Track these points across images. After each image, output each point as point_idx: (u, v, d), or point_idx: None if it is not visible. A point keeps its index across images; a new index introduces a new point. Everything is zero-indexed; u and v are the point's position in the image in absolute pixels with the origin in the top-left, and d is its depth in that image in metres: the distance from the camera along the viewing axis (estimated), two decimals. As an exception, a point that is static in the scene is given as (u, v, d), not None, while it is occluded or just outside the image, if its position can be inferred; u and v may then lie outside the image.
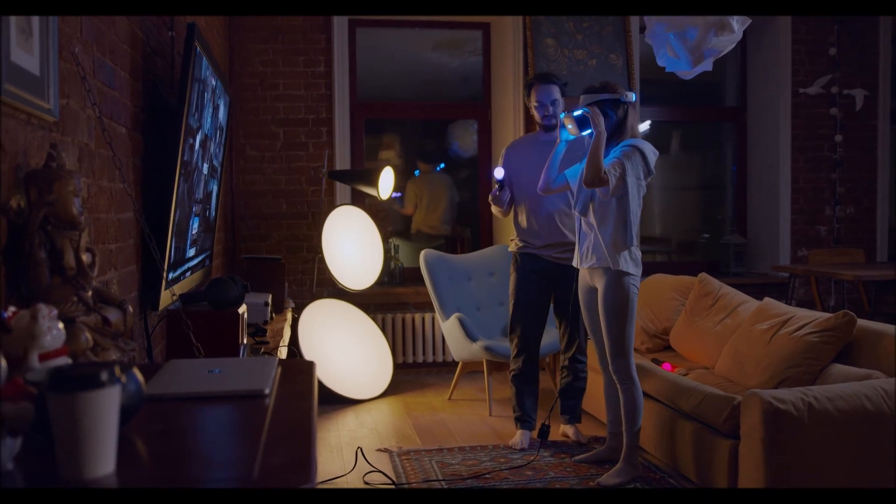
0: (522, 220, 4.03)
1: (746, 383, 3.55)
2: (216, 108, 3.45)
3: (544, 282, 4.01)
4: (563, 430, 4.09)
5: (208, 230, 3.69)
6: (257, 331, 3.51)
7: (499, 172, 3.90)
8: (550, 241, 3.96)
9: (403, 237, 6.64)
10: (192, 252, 3.18)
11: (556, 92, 3.95)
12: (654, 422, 3.63)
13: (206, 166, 3.30)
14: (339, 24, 5.57)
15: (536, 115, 4.01)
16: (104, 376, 1.03)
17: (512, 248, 4.12)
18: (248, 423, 1.29)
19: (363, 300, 5.42)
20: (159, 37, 3.12)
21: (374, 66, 6.17)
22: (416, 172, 6.79)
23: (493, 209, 4.10)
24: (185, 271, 3.03)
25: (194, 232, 3.18)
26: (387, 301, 5.64)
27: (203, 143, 3.13)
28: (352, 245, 5.21)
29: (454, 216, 6.70)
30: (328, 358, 4.85)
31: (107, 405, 1.04)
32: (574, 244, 3.95)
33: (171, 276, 2.63)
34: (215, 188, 3.76)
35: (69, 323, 1.49)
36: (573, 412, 4.09)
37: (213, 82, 3.25)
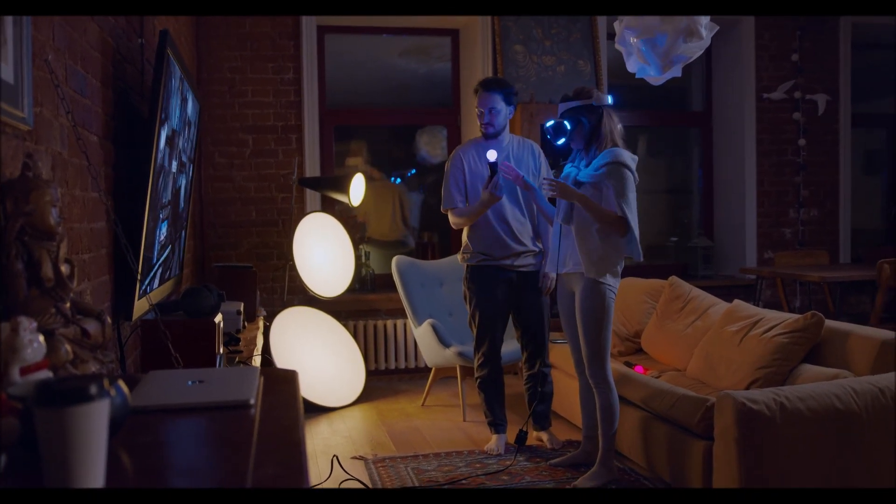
0: (480, 231, 3.93)
1: (718, 385, 3.60)
2: (184, 101, 3.37)
3: (507, 292, 3.98)
4: (537, 436, 4.10)
5: (178, 228, 3.61)
6: (231, 340, 3.48)
7: (492, 155, 3.69)
8: (511, 252, 3.93)
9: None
10: (162, 256, 3.13)
11: (495, 100, 3.88)
12: (629, 424, 3.66)
13: (174, 164, 3.22)
14: (308, 30, 5.54)
15: (479, 121, 3.98)
16: (93, 390, 1.01)
17: (465, 261, 4.02)
18: (236, 435, 1.28)
19: (335, 307, 5.39)
20: (129, 43, 3.08)
21: (342, 73, 6.15)
22: (392, 178, 6.77)
23: (461, 220, 3.95)
24: (155, 273, 2.98)
25: (162, 237, 3.13)
26: (358, 308, 5.63)
27: (170, 140, 3.03)
28: (323, 252, 5.19)
29: (408, 223, 6.69)
30: (300, 366, 4.81)
31: (96, 419, 1.02)
32: (532, 251, 3.97)
33: (143, 277, 2.59)
34: (184, 183, 3.65)
35: (48, 335, 1.47)
36: (546, 418, 4.10)
37: (181, 76, 3.17)
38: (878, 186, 7.11)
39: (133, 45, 3.16)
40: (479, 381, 4.06)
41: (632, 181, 3.37)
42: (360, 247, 6.01)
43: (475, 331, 4.02)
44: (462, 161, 4.01)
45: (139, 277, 2.40)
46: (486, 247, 3.94)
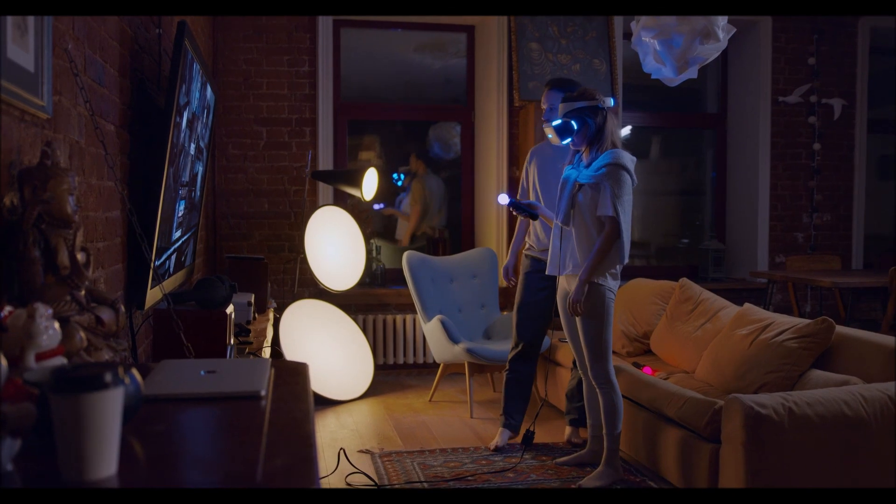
0: (532, 225, 4.12)
1: (726, 388, 3.59)
2: (204, 85, 3.39)
3: (547, 285, 4.02)
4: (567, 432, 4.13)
5: (193, 212, 3.62)
6: (241, 331, 3.49)
7: (503, 199, 3.80)
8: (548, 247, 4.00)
9: (384, 238, 6.61)
10: (177, 234, 3.14)
11: (556, 98, 3.89)
12: (636, 425, 3.66)
13: (192, 147, 3.24)
14: (324, 23, 5.56)
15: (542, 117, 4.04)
16: (108, 377, 1.03)
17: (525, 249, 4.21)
18: (246, 425, 1.29)
19: (345, 301, 5.41)
20: (147, 34, 3.10)
21: (357, 67, 6.16)
22: (396, 176, 6.68)
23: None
24: (171, 254, 2.99)
25: (180, 215, 3.13)
26: (368, 302, 5.64)
27: (190, 123, 3.05)
28: (334, 246, 5.20)
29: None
30: (309, 358, 4.83)
31: (110, 406, 1.03)
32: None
33: (156, 261, 2.60)
34: (201, 170, 3.69)
35: (63, 322, 1.48)
36: (582, 413, 4.09)
37: (198, 67, 3.19)
38: (892, 192, 7.06)
39: (151, 36, 3.17)
40: (506, 371, 4.14)
41: (629, 185, 3.36)
42: (372, 241, 6.00)
43: (514, 316, 4.13)
44: (531, 160, 4.13)
45: (153, 266, 2.42)
46: (533, 239, 4.11)
